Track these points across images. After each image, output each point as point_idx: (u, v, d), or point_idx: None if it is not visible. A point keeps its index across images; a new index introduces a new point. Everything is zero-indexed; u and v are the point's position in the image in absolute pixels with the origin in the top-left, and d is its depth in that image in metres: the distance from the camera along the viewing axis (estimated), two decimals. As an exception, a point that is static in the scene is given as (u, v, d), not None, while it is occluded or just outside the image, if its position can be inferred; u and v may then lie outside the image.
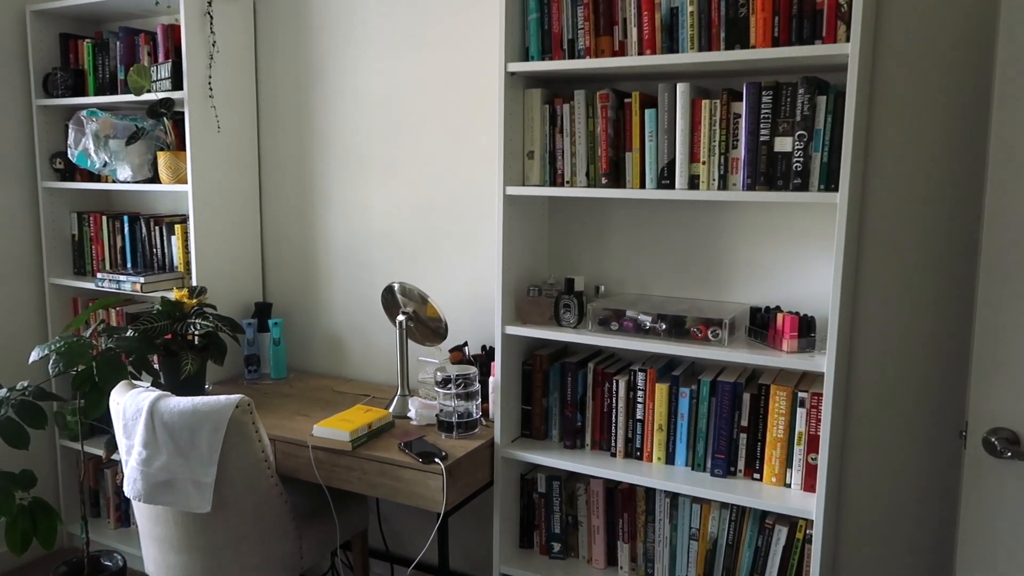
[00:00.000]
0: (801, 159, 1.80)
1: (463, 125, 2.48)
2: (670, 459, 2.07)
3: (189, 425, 2.00)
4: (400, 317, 2.39)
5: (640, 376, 2.06)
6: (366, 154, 2.67)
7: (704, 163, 1.91)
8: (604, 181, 2.03)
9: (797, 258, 2.05)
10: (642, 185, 1.99)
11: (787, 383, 1.94)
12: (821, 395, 1.85)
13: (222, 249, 2.74)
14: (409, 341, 2.43)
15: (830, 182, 1.80)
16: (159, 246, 2.85)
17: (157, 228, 2.84)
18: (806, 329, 1.86)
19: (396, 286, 2.38)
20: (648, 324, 1.99)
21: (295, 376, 2.81)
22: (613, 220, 2.27)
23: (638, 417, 2.09)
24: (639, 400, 2.08)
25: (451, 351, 2.44)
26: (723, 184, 1.90)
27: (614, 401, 2.11)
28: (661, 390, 2.04)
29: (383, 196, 2.66)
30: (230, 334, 2.48)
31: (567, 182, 2.10)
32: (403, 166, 2.60)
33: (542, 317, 2.15)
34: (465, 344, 2.47)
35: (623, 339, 1.99)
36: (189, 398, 2.03)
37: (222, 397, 2.01)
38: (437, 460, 2.00)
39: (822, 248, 2.01)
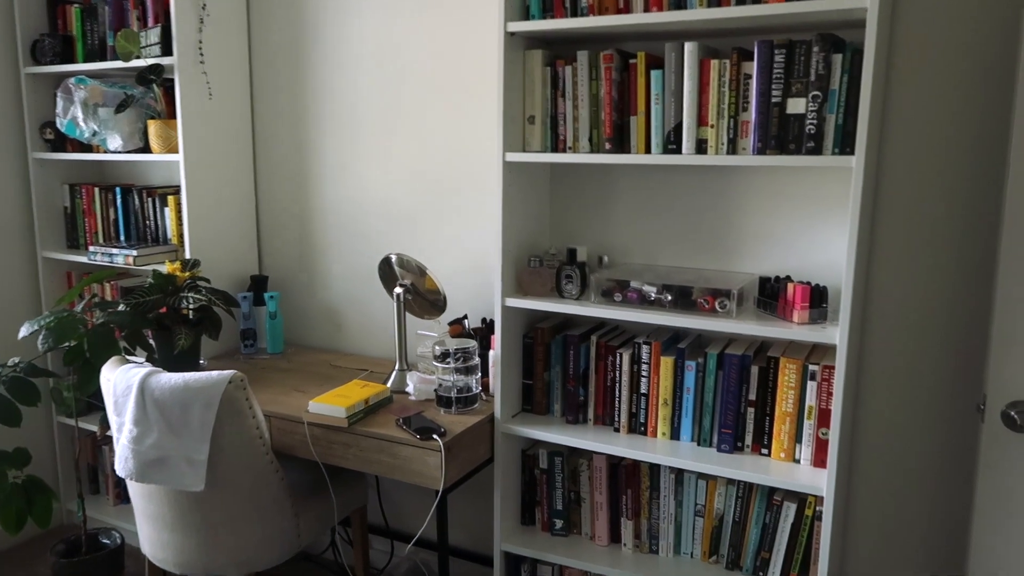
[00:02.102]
0: (815, 121, 1.71)
1: (463, 89, 2.39)
2: (675, 434, 2.00)
3: (181, 401, 1.95)
4: (398, 290, 2.32)
5: (644, 349, 1.99)
6: (364, 120, 2.58)
7: (713, 126, 1.82)
8: (608, 146, 1.95)
9: (809, 226, 1.96)
10: (647, 150, 1.91)
11: (797, 355, 1.87)
12: (833, 368, 1.78)
13: (216, 221, 2.67)
14: (407, 314, 2.37)
15: (845, 145, 1.71)
16: (153, 218, 2.78)
17: (150, 199, 2.77)
18: (818, 300, 1.79)
19: (393, 257, 2.31)
20: (653, 295, 1.91)
21: (292, 350, 2.75)
22: (617, 187, 2.19)
23: (642, 391, 2.02)
24: (643, 374, 2.01)
25: (450, 324, 2.37)
26: (732, 148, 1.82)
27: (617, 375, 2.04)
28: (666, 363, 1.97)
29: (381, 164, 2.58)
30: (224, 308, 2.42)
31: (569, 148, 2.01)
32: (402, 133, 2.52)
33: (544, 288, 2.08)
34: (465, 317, 2.40)
35: (627, 311, 1.92)
36: (180, 374, 1.97)
37: (214, 372, 1.95)
38: (435, 436, 1.94)
39: (835, 215, 1.93)
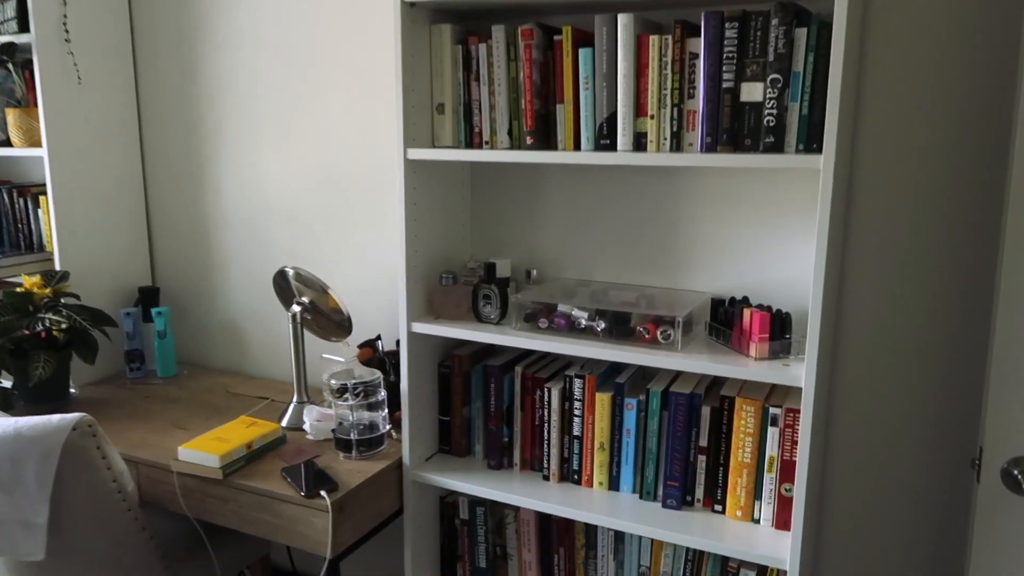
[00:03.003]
0: (774, 111, 1.39)
1: (371, 74, 2.04)
2: (614, 484, 1.69)
3: (11, 454, 1.59)
4: (295, 308, 1.98)
5: (577, 384, 1.67)
6: (265, 112, 2.22)
7: (653, 117, 1.49)
8: (530, 141, 1.62)
9: (769, 237, 1.65)
10: (576, 146, 1.58)
11: (756, 395, 1.55)
12: (798, 412, 1.47)
13: (95, 225, 2.30)
14: (311, 335, 2.03)
15: (811, 141, 1.39)
16: (26, 222, 2.41)
17: (21, 200, 2.39)
18: (779, 329, 1.47)
19: (290, 271, 1.97)
20: (583, 322, 1.59)
21: (188, 373, 2.39)
22: (546, 190, 1.86)
23: (575, 433, 1.70)
24: (576, 412, 1.69)
25: (360, 347, 2.03)
26: (677, 144, 1.49)
27: (546, 413, 1.72)
28: (602, 401, 1.65)
29: (285, 161, 2.22)
30: (92, 328, 2.06)
31: (486, 143, 1.68)
32: (305, 125, 2.17)
33: (458, 310, 1.75)
34: (377, 339, 2.06)
35: (553, 340, 1.59)
36: (13, 420, 1.62)
37: (55, 417, 1.60)
38: (323, 493, 1.61)
39: (801, 224, 1.61)
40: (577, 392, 1.68)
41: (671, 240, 1.74)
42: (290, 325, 1.98)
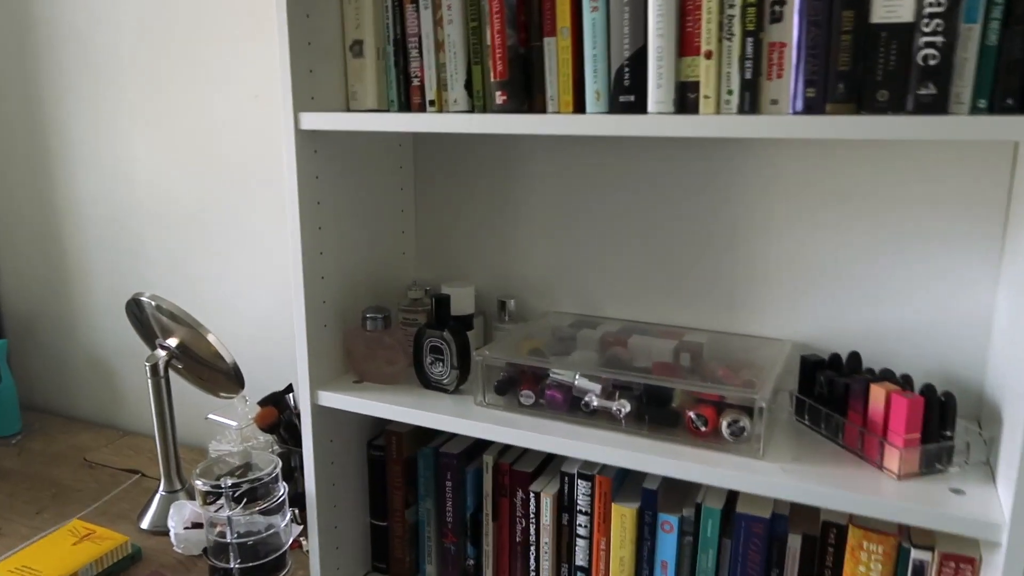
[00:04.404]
0: (938, 41, 0.76)
1: (263, 6, 1.39)
2: (641, 642, 1.08)
3: None
4: (160, 354, 1.34)
5: (582, 487, 1.05)
6: (123, 82, 1.56)
7: (709, 56, 0.86)
8: (500, 98, 0.98)
9: (900, 254, 1.02)
10: (578, 106, 0.95)
11: (883, 523, 0.94)
12: (969, 562, 0.86)
13: None
14: (196, 388, 1.40)
15: (1002, 94, 0.77)
16: None
17: None
18: (938, 421, 0.86)
19: (147, 302, 1.32)
20: (594, 400, 0.96)
21: (37, 428, 1.75)
22: (529, 176, 1.22)
23: (579, 563, 1.08)
24: (580, 531, 1.07)
25: (261, 405, 1.40)
26: (751, 101, 0.86)
27: (534, 529, 1.10)
28: (622, 516, 1.03)
29: (153, 143, 1.57)
30: None
31: (431, 103, 1.04)
32: (178, 92, 1.51)
33: (392, 368, 1.12)
34: (288, 391, 1.43)
35: (542, 434, 0.97)
36: None
37: None
38: None
39: (959, 235, 0.99)
40: (582, 500, 1.06)
41: (729, 256, 1.11)
42: (149, 380, 1.34)
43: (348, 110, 1.09)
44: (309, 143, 1.04)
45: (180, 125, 1.52)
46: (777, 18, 0.84)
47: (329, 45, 1.05)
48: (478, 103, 1.02)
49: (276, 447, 1.39)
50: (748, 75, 0.86)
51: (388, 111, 1.07)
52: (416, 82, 1.05)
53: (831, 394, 0.94)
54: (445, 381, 1.07)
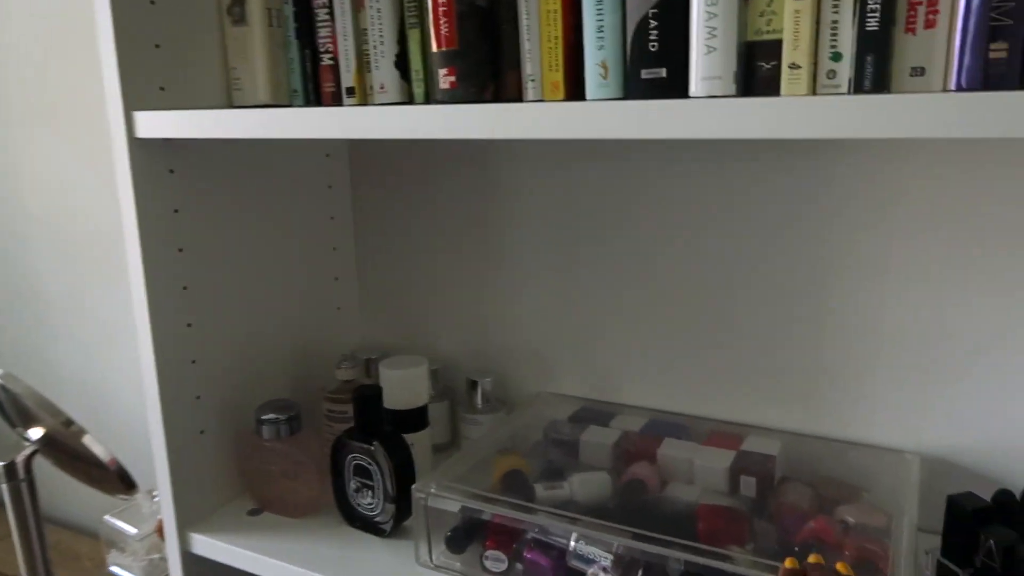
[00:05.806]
0: None
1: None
2: None
3: None
4: (24, 453, 0.99)
5: None
6: (13, 77, 1.21)
7: (798, 8, 0.48)
8: (447, 80, 0.60)
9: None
10: (575, 90, 0.57)
11: None
12: None
13: None
14: (86, 484, 1.05)
15: None
16: None
17: None
18: None
19: (-3, 374, 0.97)
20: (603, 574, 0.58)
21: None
22: (511, 197, 0.84)
23: None
24: None
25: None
26: (876, 74, 0.47)
27: None
28: None
29: (49, 154, 1.22)
30: None
31: (347, 90, 0.67)
32: (75, 94, 1.16)
33: (299, 494, 0.75)
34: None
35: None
36: None
37: None
38: None
39: None
40: None
41: (815, 320, 0.72)
42: (5, 486, 0.99)
43: (232, 105, 0.72)
44: (157, 159, 0.68)
45: (84, 140, 1.17)
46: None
47: (190, 3, 0.69)
48: (417, 89, 0.64)
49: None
50: (871, 25, 0.47)
51: (289, 105, 0.70)
52: (328, 60, 0.68)
53: (1008, 567, 0.56)
54: (377, 518, 0.70)
